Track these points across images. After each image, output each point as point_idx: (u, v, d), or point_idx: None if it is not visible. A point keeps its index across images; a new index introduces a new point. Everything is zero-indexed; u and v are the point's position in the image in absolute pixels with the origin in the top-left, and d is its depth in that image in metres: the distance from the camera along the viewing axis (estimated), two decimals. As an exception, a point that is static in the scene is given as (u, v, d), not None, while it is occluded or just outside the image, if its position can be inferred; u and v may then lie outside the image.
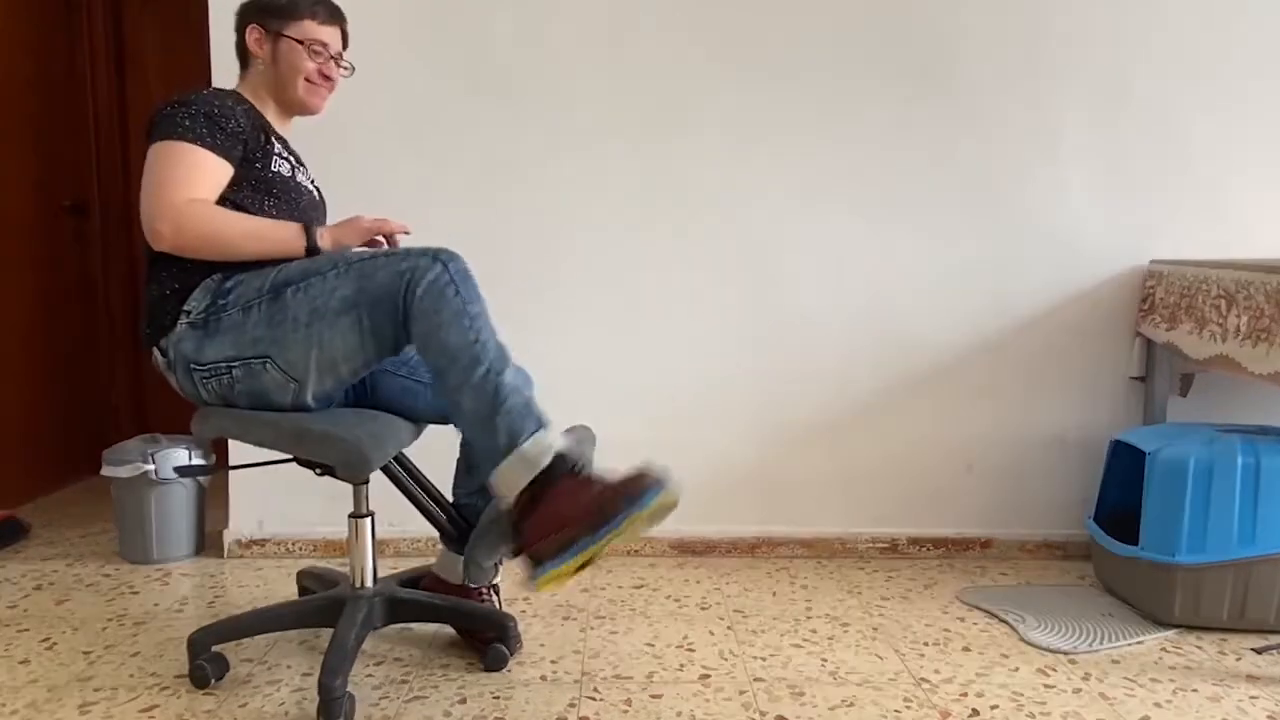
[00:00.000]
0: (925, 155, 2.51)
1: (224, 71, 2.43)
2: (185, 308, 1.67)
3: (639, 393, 2.55)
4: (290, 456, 1.69)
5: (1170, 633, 2.09)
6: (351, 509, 1.84)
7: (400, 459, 1.96)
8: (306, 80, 1.87)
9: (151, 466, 2.45)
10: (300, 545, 2.55)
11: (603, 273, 2.51)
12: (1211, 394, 2.57)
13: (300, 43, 1.86)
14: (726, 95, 2.49)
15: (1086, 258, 2.55)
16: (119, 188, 3.49)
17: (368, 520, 1.84)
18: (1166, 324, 2.41)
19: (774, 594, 2.32)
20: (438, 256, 1.56)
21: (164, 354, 1.69)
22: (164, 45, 3.48)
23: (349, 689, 1.64)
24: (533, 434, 1.51)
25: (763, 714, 1.72)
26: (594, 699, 1.77)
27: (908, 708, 1.75)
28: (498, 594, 2.08)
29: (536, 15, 2.46)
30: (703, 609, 2.22)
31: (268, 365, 1.62)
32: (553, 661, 1.93)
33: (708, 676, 1.87)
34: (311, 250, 1.68)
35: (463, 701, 1.75)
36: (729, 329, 2.55)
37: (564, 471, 1.49)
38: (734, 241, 2.52)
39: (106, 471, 2.46)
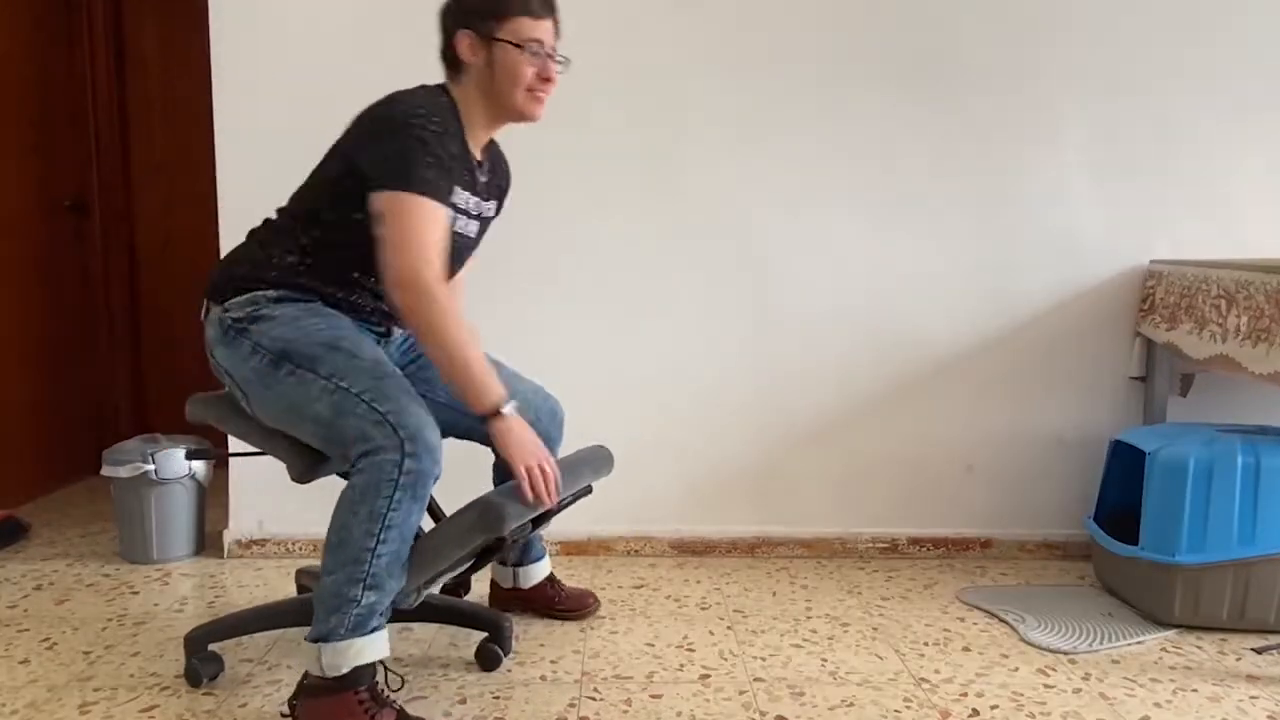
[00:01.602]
0: (925, 155, 2.51)
1: (224, 71, 2.44)
2: (232, 299, 1.67)
3: (639, 392, 2.55)
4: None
5: (1170, 633, 2.09)
6: None
7: None
8: (528, 90, 1.73)
9: (151, 466, 2.44)
10: (300, 545, 2.55)
11: (602, 272, 2.51)
12: (1211, 394, 2.57)
13: (518, 46, 1.70)
14: (727, 94, 2.49)
15: (1086, 258, 2.55)
16: (119, 187, 3.48)
17: None
18: (1166, 324, 2.41)
19: (774, 594, 2.32)
20: (405, 449, 1.50)
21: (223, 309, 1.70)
22: (164, 45, 3.48)
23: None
24: (350, 640, 1.54)
25: (763, 714, 1.72)
26: (594, 699, 1.77)
27: (908, 708, 1.75)
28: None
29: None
30: (703, 609, 2.22)
31: (248, 400, 1.69)
32: (553, 661, 1.93)
33: (708, 676, 1.87)
34: (485, 417, 1.61)
35: (463, 701, 1.75)
36: (729, 329, 2.55)
37: (354, 688, 1.54)
38: (733, 241, 2.52)
39: (106, 471, 2.46)
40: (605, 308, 2.53)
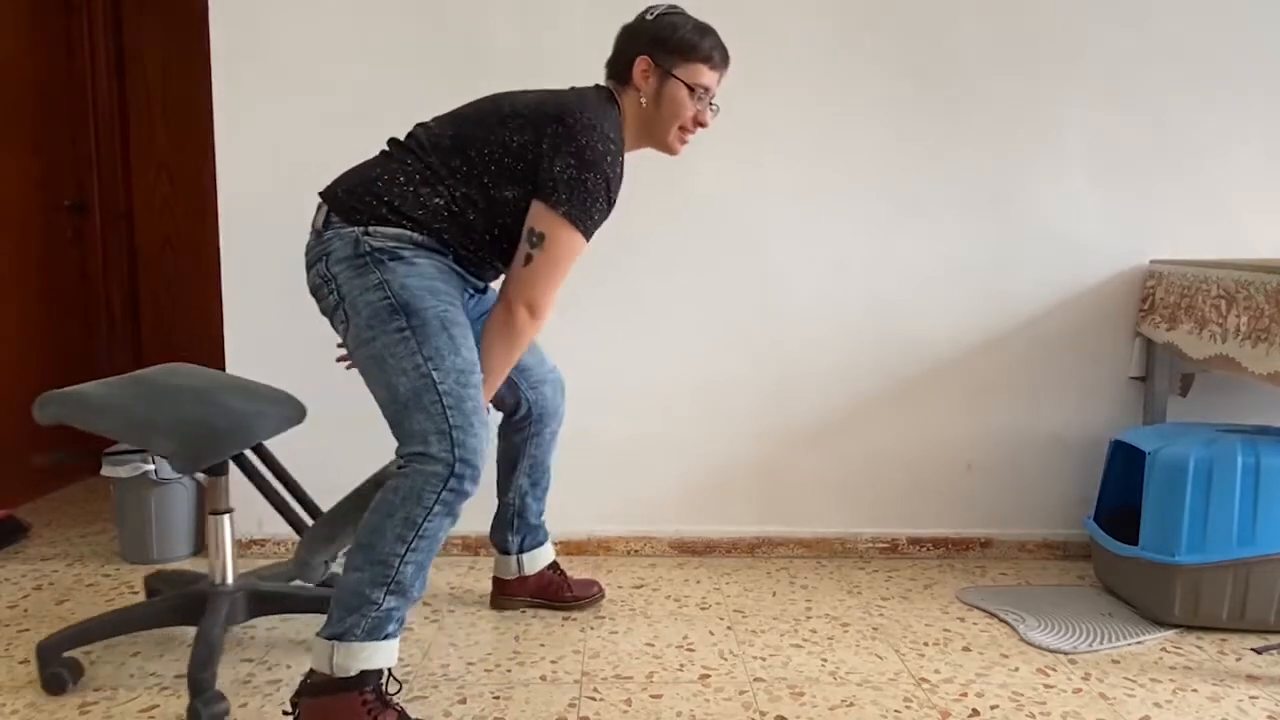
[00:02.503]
0: (925, 155, 2.51)
1: (224, 71, 2.43)
2: (376, 228, 1.63)
3: (639, 393, 2.55)
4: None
5: (1170, 633, 2.09)
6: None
7: (266, 455, 1.98)
8: (680, 128, 1.81)
9: (151, 466, 2.44)
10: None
11: (603, 273, 2.51)
12: (1211, 394, 2.57)
13: (690, 88, 1.78)
14: (727, 95, 2.49)
15: (1086, 258, 2.55)
16: (119, 187, 3.49)
17: (226, 518, 1.88)
18: (1166, 324, 2.41)
19: (774, 594, 2.32)
20: (455, 470, 1.54)
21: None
22: (164, 45, 3.48)
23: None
24: (364, 643, 1.54)
25: (763, 714, 1.72)
26: (594, 699, 1.77)
27: (908, 708, 1.75)
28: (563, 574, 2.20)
29: (536, 15, 2.46)
30: (703, 609, 2.22)
31: (347, 323, 1.65)
32: (553, 661, 1.93)
33: (708, 676, 1.87)
34: None
35: (463, 701, 1.76)
36: (729, 328, 2.55)
37: (360, 690, 1.55)
38: (733, 241, 2.52)
39: (106, 471, 2.46)
40: (605, 308, 2.53)
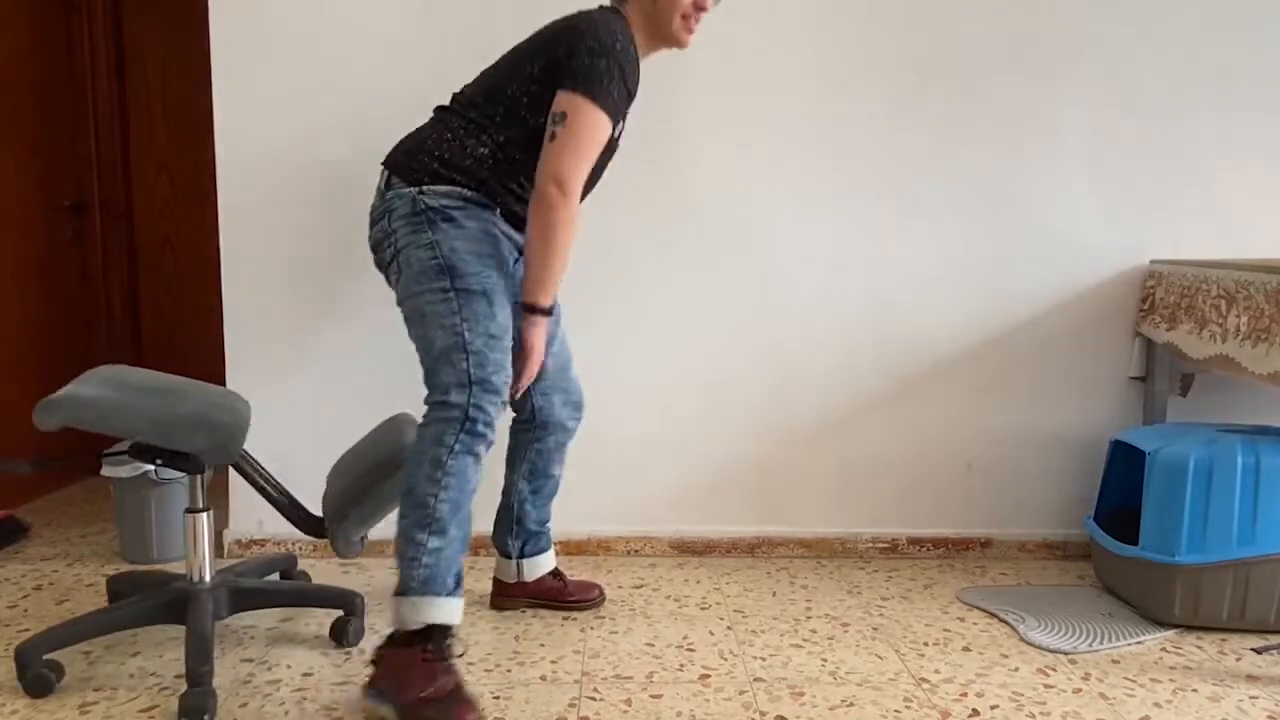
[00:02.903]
0: (925, 155, 2.51)
1: (224, 71, 2.44)
2: (430, 185, 1.77)
3: (639, 392, 2.55)
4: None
5: (1170, 633, 2.09)
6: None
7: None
8: (683, 16, 1.87)
9: (151, 467, 2.44)
10: (300, 545, 2.55)
11: (603, 273, 2.51)
12: (1211, 394, 2.57)
13: None
14: (726, 94, 2.49)
15: (1086, 258, 2.55)
16: (119, 187, 3.49)
17: (203, 516, 1.88)
18: (1166, 324, 2.41)
19: (774, 594, 2.32)
20: (469, 415, 1.69)
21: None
22: (164, 45, 3.48)
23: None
24: (421, 597, 1.67)
25: (763, 714, 1.72)
26: (594, 699, 1.77)
27: (908, 708, 1.75)
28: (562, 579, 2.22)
29: (536, 15, 2.46)
30: (703, 609, 2.22)
31: (399, 274, 1.80)
32: (553, 661, 1.93)
33: (708, 676, 1.87)
34: (531, 307, 1.78)
35: (463, 701, 1.75)
36: (729, 329, 2.55)
37: (423, 646, 1.67)
38: (733, 241, 2.52)
39: (106, 471, 2.46)
40: (606, 308, 2.53)
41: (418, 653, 1.66)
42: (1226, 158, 2.52)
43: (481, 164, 1.79)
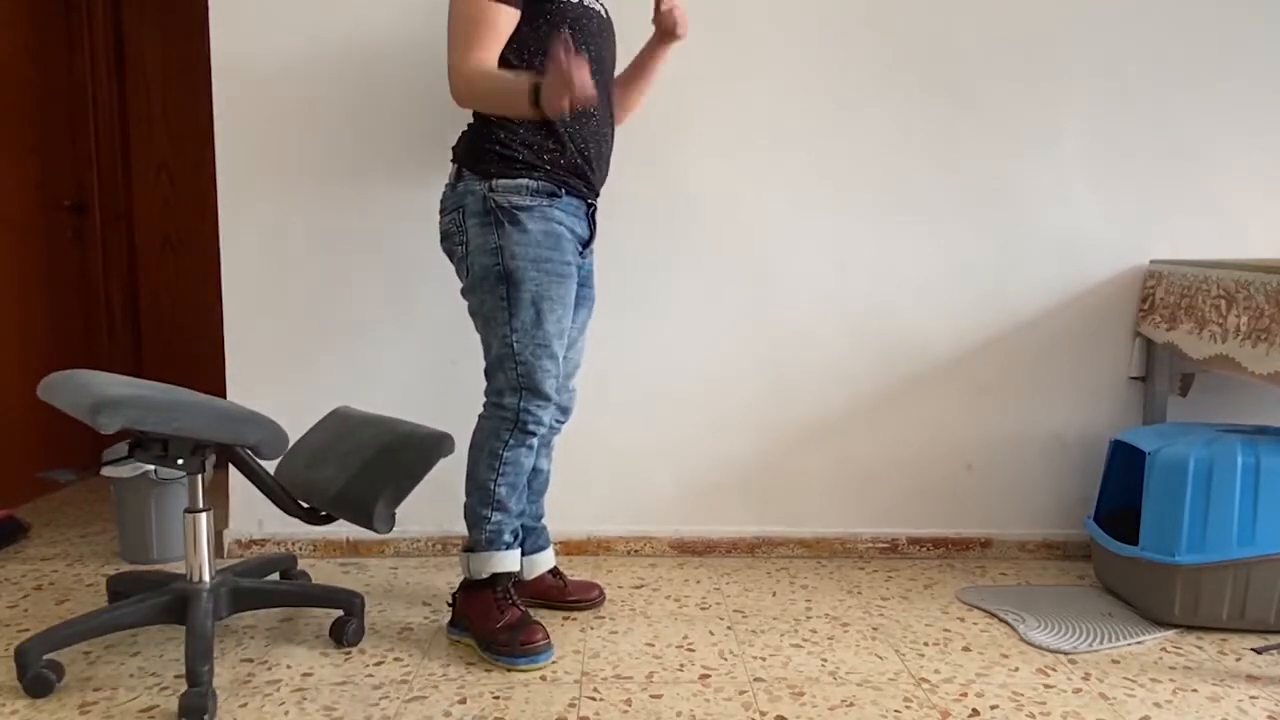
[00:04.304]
0: (925, 156, 2.51)
1: (224, 72, 2.44)
2: (499, 180, 1.86)
3: (639, 393, 2.55)
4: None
5: (1170, 633, 2.09)
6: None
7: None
8: None
9: (151, 467, 2.44)
10: (300, 545, 2.55)
11: (603, 273, 2.51)
12: (1211, 394, 2.57)
13: None
14: (726, 94, 2.49)
15: (1086, 258, 2.55)
16: (119, 187, 3.49)
17: (203, 515, 1.89)
18: (1166, 324, 2.41)
19: (774, 594, 2.32)
20: (520, 417, 1.91)
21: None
22: (164, 46, 3.48)
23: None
24: (488, 552, 1.95)
25: (763, 714, 1.72)
26: (594, 699, 1.77)
27: (908, 708, 1.75)
28: (562, 576, 2.25)
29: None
30: (703, 609, 2.22)
31: (466, 266, 1.94)
32: (553, 661, 1.93)
33: (708, 676, 1.87)
34: (535, 92, 1.73)
35: (462, 701, 1.76)
36: (729, 329, 2.55)
37: (492, 589, 1.96)
38: (734, 242, 2.52)
39: (106, 471, 2.46)
40: (606, 308, 2.52)
41: (488, 594, 1.95)
42: (1227, 158, 2.52)
43: (533, 148, 1.87)
